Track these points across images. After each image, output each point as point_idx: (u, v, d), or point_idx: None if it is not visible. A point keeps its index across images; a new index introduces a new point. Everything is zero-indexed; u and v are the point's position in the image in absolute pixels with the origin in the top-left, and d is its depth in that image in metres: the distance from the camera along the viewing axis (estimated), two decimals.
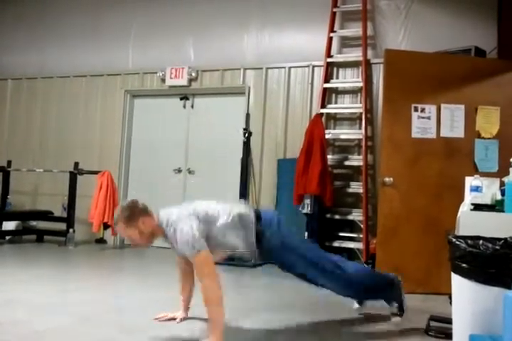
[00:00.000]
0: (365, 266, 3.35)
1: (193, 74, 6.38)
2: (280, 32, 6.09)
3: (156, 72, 6.57)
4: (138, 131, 6.81)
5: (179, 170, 6.53)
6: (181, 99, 6.57)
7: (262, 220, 2.87)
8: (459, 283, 2.06)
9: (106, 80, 6.90)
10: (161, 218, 2.76)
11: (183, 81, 6.39)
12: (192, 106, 6.54)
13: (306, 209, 5.16)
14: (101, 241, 6.46)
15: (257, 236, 2.83)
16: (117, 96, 6.82)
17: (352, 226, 5.46)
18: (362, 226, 5.25)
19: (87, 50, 7.00)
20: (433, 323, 2.96)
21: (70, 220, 6.17)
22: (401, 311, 3.14)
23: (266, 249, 2.86)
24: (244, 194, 5.51)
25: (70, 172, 6.25)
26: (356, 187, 5.45)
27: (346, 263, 3.07)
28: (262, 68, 6.08)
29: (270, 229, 2.86)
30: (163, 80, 6.54)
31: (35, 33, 7.34)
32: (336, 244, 5.34)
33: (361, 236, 5.24)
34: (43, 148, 7.20)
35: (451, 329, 2.17)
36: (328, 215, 5.42)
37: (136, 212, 2.71)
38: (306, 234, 5.14)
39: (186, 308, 3.11)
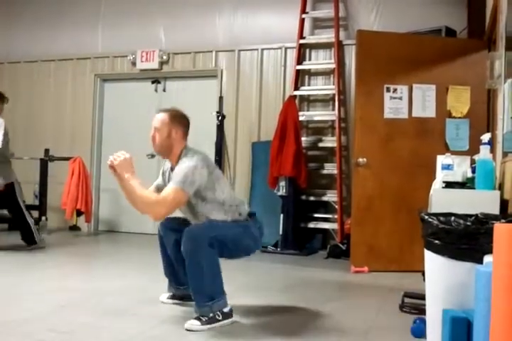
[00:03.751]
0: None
1: (164, 57, 6.27)
2: (252, 14, 6.02)
3: (126, 56, 6.43)
4: (109, 115, 6.69)
5: (152, 155, 6.41)
6: (153, 82, 6.47)
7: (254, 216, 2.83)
8: (431, 260, 2.08)
9: (75, 64, 6.74)
10: (186, 149, 2.80)
11: (154, 64, 6.29)
12: (164, 90, 6.45)
13: (281, 191, 5.18)
14: (75, 228, 6.38)
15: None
16: (87, 80, 6.67)
17: (327, 207, 5.50)
18: (336, 207, 5.29)
19: (55, 33, 6.81)
20: (407, 300, 3.01)
21: (42, 208, 6.05)
22: (208, 321, 2.54)
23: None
24: None
25: (41, 159, 6.13)
26: (330, 168, 5.48)
27: None
28: (234, 50, 6.02)
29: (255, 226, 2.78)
30: (133, 64, 6.41)
31: (0, 17, 7.11)
32: (311, 225, 5.39)
33: (336, 216, 5.29)
34: (12, 135, 6.99)
35: (424, 305, 2.21)
36: (303, 197, 5.45)
37: (183, 122, 2.80)
38: (281, 216, 5.17)
39: None
